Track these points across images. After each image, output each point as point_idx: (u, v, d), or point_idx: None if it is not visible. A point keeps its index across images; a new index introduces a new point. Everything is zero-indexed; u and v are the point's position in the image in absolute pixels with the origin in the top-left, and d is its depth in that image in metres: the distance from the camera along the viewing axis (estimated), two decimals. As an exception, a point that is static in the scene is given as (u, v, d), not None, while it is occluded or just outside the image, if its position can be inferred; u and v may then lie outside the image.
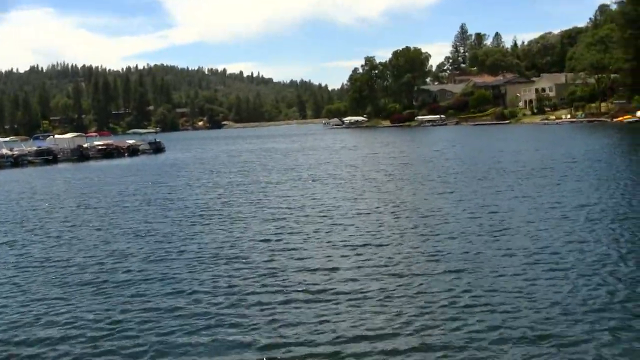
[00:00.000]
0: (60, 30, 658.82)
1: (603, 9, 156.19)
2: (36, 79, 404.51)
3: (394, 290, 14.66)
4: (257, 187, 38.28)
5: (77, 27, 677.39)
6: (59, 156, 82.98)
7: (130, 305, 14.49)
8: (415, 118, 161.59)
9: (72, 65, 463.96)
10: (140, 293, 15.47)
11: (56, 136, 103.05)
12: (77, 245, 22.07)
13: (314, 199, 31.34)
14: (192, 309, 13.94)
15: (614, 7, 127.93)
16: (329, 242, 20.35)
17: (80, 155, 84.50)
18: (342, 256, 18.27)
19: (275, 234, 22.19)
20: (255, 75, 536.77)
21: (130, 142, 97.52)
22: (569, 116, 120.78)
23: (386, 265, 16.96)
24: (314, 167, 50.85)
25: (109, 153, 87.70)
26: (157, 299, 14.85)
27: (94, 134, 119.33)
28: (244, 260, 18.28)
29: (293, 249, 19.49)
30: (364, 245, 19.55)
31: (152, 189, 40.34)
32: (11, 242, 23.34)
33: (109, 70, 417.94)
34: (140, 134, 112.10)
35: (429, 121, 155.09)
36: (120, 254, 19.99)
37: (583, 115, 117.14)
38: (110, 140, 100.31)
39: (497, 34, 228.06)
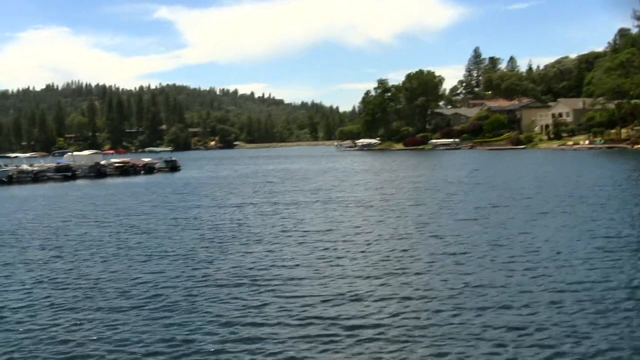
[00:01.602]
0: (75, 49, 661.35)
1: (623, 32, 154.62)
2: (52, 97, 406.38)
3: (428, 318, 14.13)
4: (281, 208, 37.75)
5: (91, 47, 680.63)
6: (77, 173, 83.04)
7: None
8: (429, 141, 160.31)
9: (86, 84, 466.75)
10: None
11: (74, 153, 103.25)
12: (121, 262, 21.73)
13: (339, 222, 30.75)
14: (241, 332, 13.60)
15: (634, 30, 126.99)
16: (358, 268, 19.83)
17: (97, 172, 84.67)
18: (382, 284, 17.72)
19: (304, 256, 21.80)
20: (266, 96, 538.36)
21: (146, 160, 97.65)
22: (587, 142, 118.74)
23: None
24: (336, 189, 50.20)
25: (125, 171, 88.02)
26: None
27: (111, 151, 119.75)
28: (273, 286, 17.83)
29: (314, 274, 19.09)
30: (403, 273, 19.02)
31: (171, 209, 39.89)
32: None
33: (122, 89, 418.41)
34: (156, 152, 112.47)
35: (442, 145, 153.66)
36: (142, 271, 19.87)
37: (602, 141, 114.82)
38: (126, 158, 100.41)
39: (511, 58, 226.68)
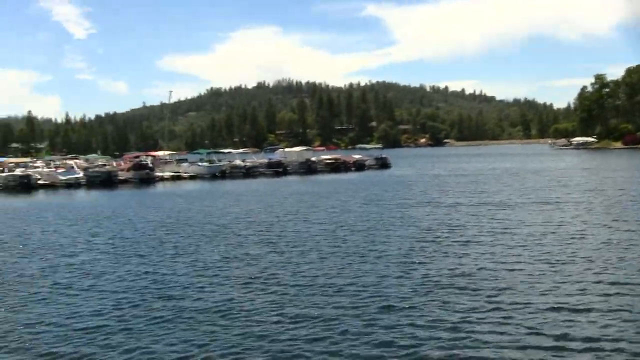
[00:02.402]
0: (286, 48, 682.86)
1: None
2: (263, 95, 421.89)
3: None
4: (495, 209, 35.58)
5: (301, 45, 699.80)
6: (288, 169, 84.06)
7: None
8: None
9: (296, 82, 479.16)
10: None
11: (285, 149, 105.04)
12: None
13: (558, 224, 28.28)
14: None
15: None
16: (586, 276, 17.80)
17: (308, 168, 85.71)
18: (616, 294, 15.75)
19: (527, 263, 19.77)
20: (477, 92, 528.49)
21: (357, 157, 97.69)
22: None
23: None
24: (552, 190, 46.95)
25: (335, 167, 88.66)
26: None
27: (321, 148, 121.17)
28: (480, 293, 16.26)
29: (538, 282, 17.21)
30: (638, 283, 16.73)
31: (383, 206, 38.95)
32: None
33: (332, 86, 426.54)
34: (367, 149, 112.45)
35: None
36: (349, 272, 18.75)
37: None
38: (337, 155, 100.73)
39: None
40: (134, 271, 20.21)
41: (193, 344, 12.86)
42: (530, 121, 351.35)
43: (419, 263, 20.17)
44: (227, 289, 17.52)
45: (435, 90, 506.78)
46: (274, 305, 15.56)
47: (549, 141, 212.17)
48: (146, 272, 19.95)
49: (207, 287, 17.78)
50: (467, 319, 13.98)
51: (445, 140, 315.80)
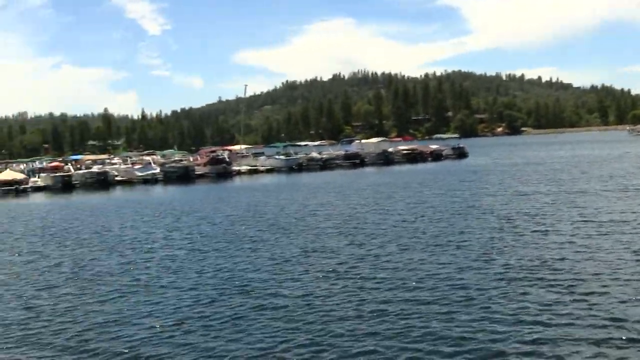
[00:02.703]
0: (361, 39, 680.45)
1: None
2: (338, 87, 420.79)
3: None
4: (574, 197, 34.17)
5: (375, 36, 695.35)
6: (365, 160, 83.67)
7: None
8: None
9: (372, 73, 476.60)
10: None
11: (362, 141, 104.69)
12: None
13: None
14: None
15: None
16: None
17: (385, 159, 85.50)
18: None
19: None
20: (554, 80, 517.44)
21: (434, 147, 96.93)
22: None
23: None
24: (632, 177, 44.93)
25: (412, 158, 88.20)
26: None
27: (398, 138, 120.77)
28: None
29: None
30: None
31: (461, 196, 38.16)
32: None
33: (407, 77, 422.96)
34: (443, 139, 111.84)
35: None
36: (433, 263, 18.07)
37: None
38: (413, 145, 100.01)
39: None
40: (213, 266, 20.04)
41: (274, 340, 12.55)
42: (607, 108, 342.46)
43: (498, 253, 19.63)
44: (305, 283, 17.18)
45: (511, 78, 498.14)
46: (353, 299, 15.18)
47: (627, 127, 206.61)
48: (225, 268, 19.74)
49: (286, 281, 17.47)
50: (549, 311, 13.40)
51: (523, 129, 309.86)
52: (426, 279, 16.82)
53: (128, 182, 69.87)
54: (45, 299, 17.06)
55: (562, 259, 18.17)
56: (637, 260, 17.44)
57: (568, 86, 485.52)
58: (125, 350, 12.44)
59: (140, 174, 71.07)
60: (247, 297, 15.90)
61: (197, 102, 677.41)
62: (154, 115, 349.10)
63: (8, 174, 71.53)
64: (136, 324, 14.18)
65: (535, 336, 11.96)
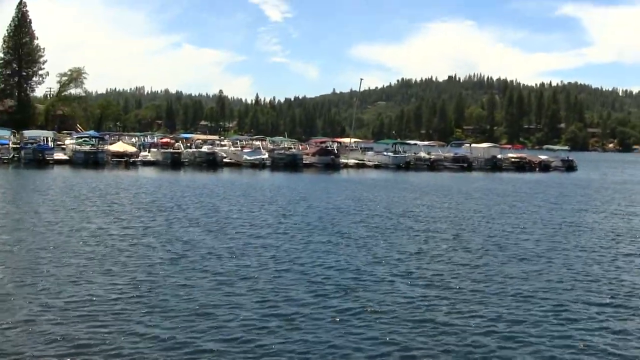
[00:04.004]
0: (479, 43, 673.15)
1: None
2: (453, 88, 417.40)
3: None
4: None
5: (495, 41, 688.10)
6: (473, 164, 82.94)
7: None
8: None
9: (487, 77, 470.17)
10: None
11: (472, 145, 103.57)
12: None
13: None
14: None
15: None
16: None
17: (493, 165, 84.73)
18: None
19: None
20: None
21: (543, 157, 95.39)
22: None
23: None
24: None
25: (520, 166, 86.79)
26: None
27: (508, 146, 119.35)
28: None
29: None
30: None
31: (557, 210, 37.25)
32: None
33: (523, 84, 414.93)
34: (553, 150, 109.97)
35: None
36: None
37: None
38: (523, 154, 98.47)
39: None
40: (316, 261, 19.82)
41: (374, 343, 12.33)
42: None
43: (601, 274, 18.96)
44: (411, 287, 16.80)
45: (628, 94, 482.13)
46: (452, 310, 14.70)
47: None
48: (329, 264, 19.49)
49: (390, 282, 17.19)
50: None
51: (635, 147, 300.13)
52: (522, 291, 16.48)
53: (236, 165, 70.88)
54: (153, 275, 17.32)
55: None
56: None
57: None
58: (228, 339, 12.39)
59: (248, 157, 71.89)
60: (350, 296, 15.70)
61: (311, 92, 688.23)
62: (267, 101, 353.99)
63: (120, 146, 73.23)
64: (238, 314, 13.92)
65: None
